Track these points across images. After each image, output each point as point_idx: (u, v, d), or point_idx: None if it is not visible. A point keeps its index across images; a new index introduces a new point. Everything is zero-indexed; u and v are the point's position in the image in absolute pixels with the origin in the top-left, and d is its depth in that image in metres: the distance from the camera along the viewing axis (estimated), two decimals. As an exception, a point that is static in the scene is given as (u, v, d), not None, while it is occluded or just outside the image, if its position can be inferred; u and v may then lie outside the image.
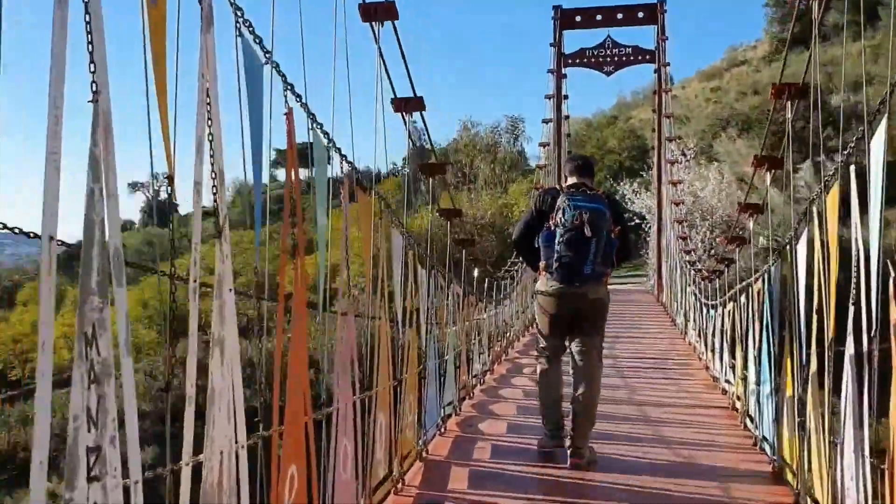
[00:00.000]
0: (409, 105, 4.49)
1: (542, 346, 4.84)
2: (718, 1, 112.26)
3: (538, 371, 4.86)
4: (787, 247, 4.26)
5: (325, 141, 3.27)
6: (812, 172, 17.89)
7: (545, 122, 16.76)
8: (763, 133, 25.96)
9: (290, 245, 2.84)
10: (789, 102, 4.52)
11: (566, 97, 18.59)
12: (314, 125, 3.06)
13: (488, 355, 8.80)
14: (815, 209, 3.57)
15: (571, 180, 4.76)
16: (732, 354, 6.63)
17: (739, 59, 50.05)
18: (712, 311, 8.13)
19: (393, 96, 4.50)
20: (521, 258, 6.37)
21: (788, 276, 4.24)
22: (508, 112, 50.36)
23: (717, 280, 8.13)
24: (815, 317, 3.48)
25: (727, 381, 6.84)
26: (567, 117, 19.02)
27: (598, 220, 4.52)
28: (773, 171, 5.03)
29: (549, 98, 17.14)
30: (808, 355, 3.72)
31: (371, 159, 4.27)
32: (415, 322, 4.87)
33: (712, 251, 20.54)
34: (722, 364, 7.14)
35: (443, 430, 5.59)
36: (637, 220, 25.11)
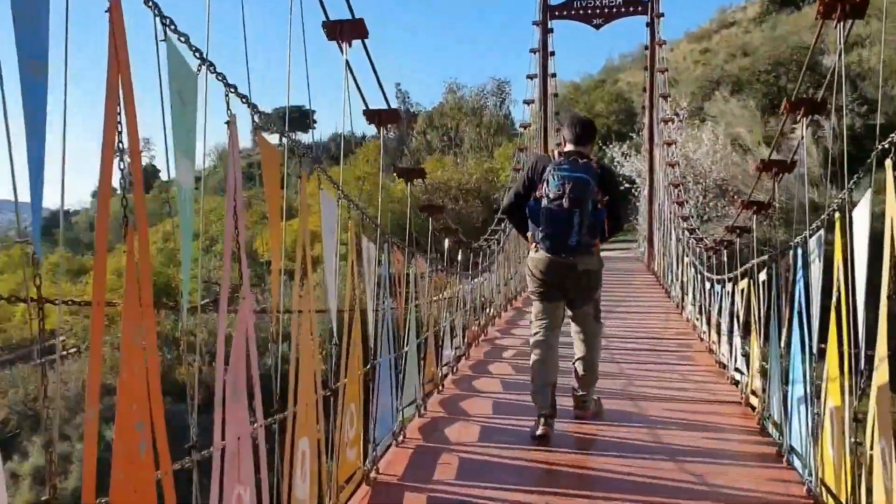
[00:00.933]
0: (383, 118, 4.22)
1: (535, 316, 4.77)
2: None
3: (531, 341, 4.75)
4: (837, 213, 3.22)
5: (195, 62, 2.16)
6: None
7: (530, 77, 15.54)
8: (755, 93, 24.98)
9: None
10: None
11: (552, 53, 17.40)
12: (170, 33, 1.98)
13: (462, 338, 7.73)
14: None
15: (567, 147, 4.67)
16: (746, 340, 5.63)
17: (729, 20, 49.35)
18: (718, 287, 7.13)
19: (365, 108, 4.17)
20: (511, 225, 6.05)
21: (835, 252, 3.26)
22: (495, 74, 49.16)
23: (725, 251, 7.09)
24: (884, 305, 2.52)
25: (738, 371, 5.85)
26: (553, 75, 17.79)
27: (580, 190, 4.44)
28: (810, 116, 4.01)
29: (534, 52, 15.84)
30: (872, 357, 2.75)
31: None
32: (356, 310, 3.81)
33: (705, 216, 19.63)
34: (731, 350, 6.14)
35: (401, 439, 4.59)
36: (627, 185, 24.11)
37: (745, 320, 5.61)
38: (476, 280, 9.27)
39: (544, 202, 4.52)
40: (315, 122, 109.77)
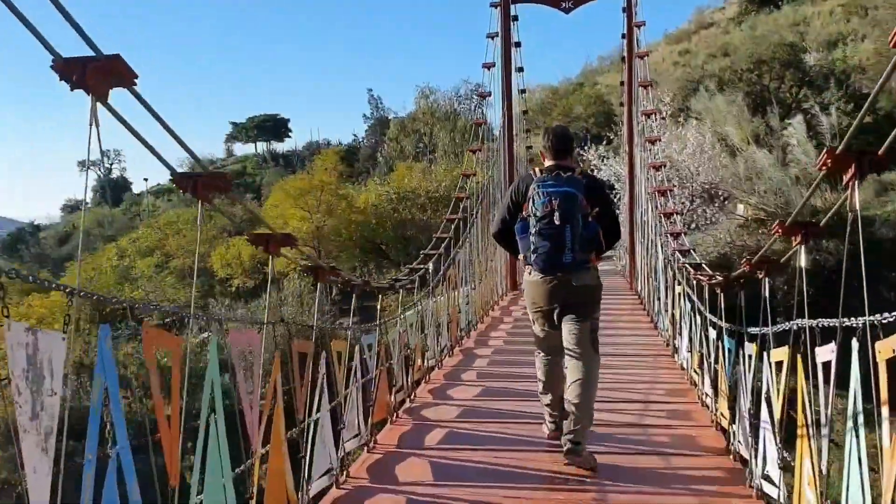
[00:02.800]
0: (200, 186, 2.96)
1: (538, 338, 4.79)
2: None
3: (537, 366, 4.86)
4: None
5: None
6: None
7: (486, 66, 13.18)
8: (739, 92, 23.05)
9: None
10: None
11: (518, 45, 15.34)
12: None
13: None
14: None
15: (547, 162, 4.65)
16: (789, 448, 3.50)
17: (707, 20, 48.85)
18: (731, 343, 4.91)
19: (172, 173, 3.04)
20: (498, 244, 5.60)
21: None
22: (468, 76, 47.62)
23: (741, 292, 4.84)
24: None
25: (768, 481, 3.73)
26: (521, 69, 15.57)
27: (568, 205, 4.39)
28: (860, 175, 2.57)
29: (492, 38, 13.56)
30: None
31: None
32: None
33: (693, 224, 17.66)
34: (758, 449, 3.98)
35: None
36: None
37: (787, 417, 3.49)
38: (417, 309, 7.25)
39: (532, 221, 4.47)
40: (290, 130, 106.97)
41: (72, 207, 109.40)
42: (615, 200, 21.33)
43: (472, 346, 9.27)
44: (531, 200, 4.47)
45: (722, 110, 20.77)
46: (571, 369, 4.49)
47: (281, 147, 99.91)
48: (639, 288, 12.83)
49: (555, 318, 4.57)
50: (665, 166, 9.74)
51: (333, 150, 42.03)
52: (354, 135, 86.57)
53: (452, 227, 9.35)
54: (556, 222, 4.35)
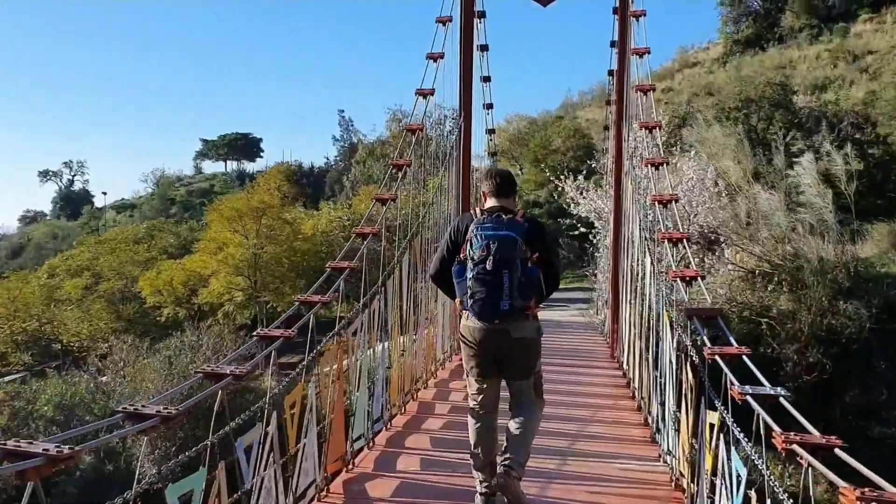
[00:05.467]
0: None
1: (471, 392, 4.64)
2: (668, 1, 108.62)
3: (469, 419, 4.62)
4: None
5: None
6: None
7: (432, 57, 9.44)
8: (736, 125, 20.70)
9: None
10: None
11: (485, 49, 12.59)
12: None
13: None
14: None
15: (489, 203, 4.59)
16: None
17: (692, 60, 48.43)
18: None
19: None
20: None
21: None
22: (443, 100, 44.79)
23: None
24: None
25: None
26: (484, 48, 12.58)
27: (506, 250, 4.28)
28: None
29: (443, 23, 9.61)
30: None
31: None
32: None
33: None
34: None
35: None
36: (582, 229, 19.13)
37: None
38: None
39: (469, 265, 4.36)
40: (262, 150, 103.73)
41: (29, 219, 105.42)
42: (594, 242, 18.62)
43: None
44: (469, 243, 4.38)
45: (719, 143, 18.09)
46: (512, 418, 4.50)
47: (252, 167, 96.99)
48: (623, 359, 9.82)
49: (491, 367, 4.50)
50: (676, 201, 6.74)
51: (277, 168, 38.99)
52: (326, 157, 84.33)
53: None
54: (490, 268, 4.25)
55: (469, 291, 4.34)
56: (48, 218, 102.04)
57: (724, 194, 15.90)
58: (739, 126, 20.48)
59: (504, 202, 4.51)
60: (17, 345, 29.51)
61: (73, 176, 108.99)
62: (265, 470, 4.08)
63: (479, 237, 4.31)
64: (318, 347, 5.19)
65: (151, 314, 28.23)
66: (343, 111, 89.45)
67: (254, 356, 4.46)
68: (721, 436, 4.03)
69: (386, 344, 7.23)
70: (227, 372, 3.58)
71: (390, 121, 47.89)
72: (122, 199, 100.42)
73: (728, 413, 3.84)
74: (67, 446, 2.46)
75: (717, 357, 3.99)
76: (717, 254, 14.65)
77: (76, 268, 33.49)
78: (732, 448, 3.81)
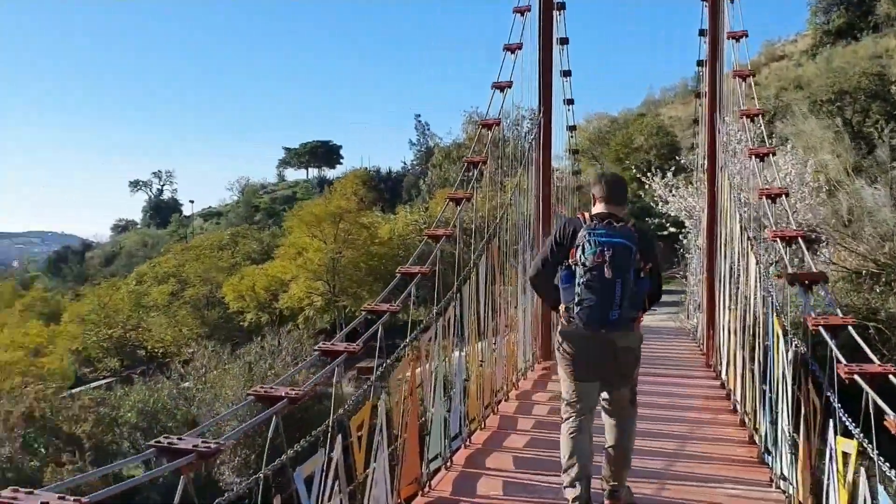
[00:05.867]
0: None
1: (567, 398, 4.49)
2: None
3: (563, 427, 4.47)
4: None
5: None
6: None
7: (510, 49, 8.68)
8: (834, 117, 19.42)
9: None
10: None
11: (565, 42, 11.99)
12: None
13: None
14: None
15: (598, 208, 4.42)
16: None
17: (778, 53, 47.08)
18: None
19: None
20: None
21: None
22: (520, 100, 44.35)
23: None
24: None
25: None
26: (565, 42, 11.99)
27: (621, 258, 4.15)
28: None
29: (521, 12, 8.81)
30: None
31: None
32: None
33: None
34: None
35: None
36: (672, 229, 18.24)
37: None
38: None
39: (579, 271, 4.21)
40: (342, 157, 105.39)
41: (121, 227, 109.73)
42: (685, 242, 17.69)
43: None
44: (580, 248, 4.22)
45: (816, 135, 16.94)
46: (609, 426, 4.48)
47: (332, 174, 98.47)
48: (720, 369, 9.05)
49: (591, 374, 4.40)
50: (786, 195, 6.04)
51: (355, 173, 39.00)
52: (403, 162, 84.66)
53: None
54: (608, 276, 4.12)
55: (577, 298, 4.23)
56: (139, 226, 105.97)
57: (823, 190, 14.82)
58: (836, 119, 19.18)
59: (614, 209, 4.38)
60: (107, 351, 30.39)
61: (162, 185, 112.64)
62: (329, 501, 3.65)
63: (591, 243, 4.17)
64: (386, 361, 4.75)
65: (235, 319, 28.59)
66: (419, 115, 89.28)
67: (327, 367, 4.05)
68: (861, 469, 3.40)
69: (463, 352, 6.76)
70: (283, 394, 3.15)
71: (466, 123, 47.60)
72: (209, 206, 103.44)
73: (872, 445, 3.20)
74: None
75: (856, 376, 3.35)
76: (817, 253, 13.61)
77: (163, 274, 34.35)
78: (879, 485, 3.17)
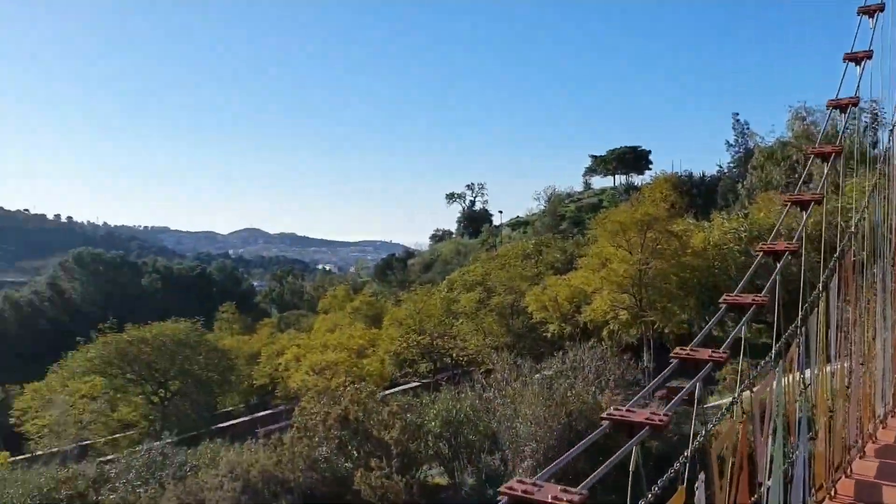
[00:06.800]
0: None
1: None
2: None
3: None
4: None
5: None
6: None
7: (851, 58, 6.71)
8: None
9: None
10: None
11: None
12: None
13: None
14: None
15: None
16: None
17: None
18: None
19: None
20: None
21: None
22: (857, 92, 39.04)
23: None
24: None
25: None
26: None
27: None
28: None
29: (870, 13, 7.28)
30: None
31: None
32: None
33: None
34: None
35: None
36: None
37: None
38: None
39: None
40: (651, 162, 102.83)
41: (438, 237, 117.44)
42: None
43: None
44: None
45: None
46: None
47: (640, 180, 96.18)
48: None
49: None
50: None
51: (664, 178, 36.51)
52: (718, 165, 79.72)
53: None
54: None
55: None
56: (453, 236, 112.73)
57: None
58: None
59: None
60: (420, 355, 31.93)
61: (475, 197, 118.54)
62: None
63: None
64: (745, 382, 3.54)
65: (538, 329, 28.34)
66: (737, 114, 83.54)
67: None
68: None
69: (804, 400, 5.23)
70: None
71: (792, 120, 43.05)
72: (517, 216, 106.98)
73: None
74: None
75: None
76: None
77: (471, 282, 35.35)
78: None
